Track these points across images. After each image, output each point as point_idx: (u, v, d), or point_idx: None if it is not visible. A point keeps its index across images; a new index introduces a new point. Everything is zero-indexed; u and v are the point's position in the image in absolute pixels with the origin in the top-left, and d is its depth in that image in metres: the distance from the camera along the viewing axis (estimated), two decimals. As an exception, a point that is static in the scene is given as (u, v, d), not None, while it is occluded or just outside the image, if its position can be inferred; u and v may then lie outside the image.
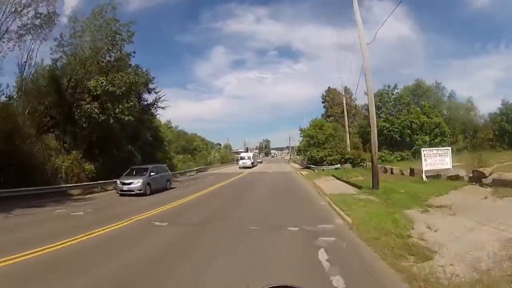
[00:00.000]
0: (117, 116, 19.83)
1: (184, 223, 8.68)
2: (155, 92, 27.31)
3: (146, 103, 27.07)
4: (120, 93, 19.67)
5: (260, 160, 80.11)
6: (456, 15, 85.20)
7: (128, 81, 20.18)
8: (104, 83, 19.03)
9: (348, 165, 33.29)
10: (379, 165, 29.03)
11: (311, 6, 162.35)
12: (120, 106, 19.85)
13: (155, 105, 27.81)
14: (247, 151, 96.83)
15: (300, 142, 47.24)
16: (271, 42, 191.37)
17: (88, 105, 19.24)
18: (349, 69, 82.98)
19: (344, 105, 41.25)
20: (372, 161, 15.55)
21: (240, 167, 47.09)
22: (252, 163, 52.01)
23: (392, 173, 22.84)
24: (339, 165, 33.47)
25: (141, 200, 13.72)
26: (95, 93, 19.24)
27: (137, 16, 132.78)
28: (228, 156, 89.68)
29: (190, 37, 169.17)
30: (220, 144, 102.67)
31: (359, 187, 15.44)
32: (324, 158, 35.66)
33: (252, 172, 37.83)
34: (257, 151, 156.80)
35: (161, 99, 27.81)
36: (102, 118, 19.44)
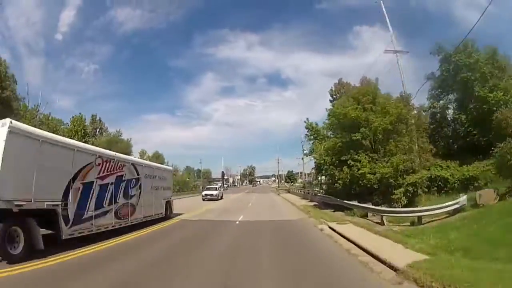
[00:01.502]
0: None
1: None
2: None
3: None
4: None
5: (217, 193, 35.39)
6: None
7: None
8: None
9: (463, 199, 12.89)
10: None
11: (301, 34, 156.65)
12: None
13: None
14: (222, 178, 70.95)
15: (312, 149, 26.77)
16: (261, 69, 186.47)
17: None
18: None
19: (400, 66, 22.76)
20: None
21: None
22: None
23: None
24: (464, 197, 12.89)
25: None
26: None
27: (130, 40, 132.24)
28: (190, 183, 67.30)
29: (182, 62, 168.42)
30: (200, 170, 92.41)
31: None
32: (394, 182, 15.96)
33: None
34: (239, 177, 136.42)
35: None
36: None
